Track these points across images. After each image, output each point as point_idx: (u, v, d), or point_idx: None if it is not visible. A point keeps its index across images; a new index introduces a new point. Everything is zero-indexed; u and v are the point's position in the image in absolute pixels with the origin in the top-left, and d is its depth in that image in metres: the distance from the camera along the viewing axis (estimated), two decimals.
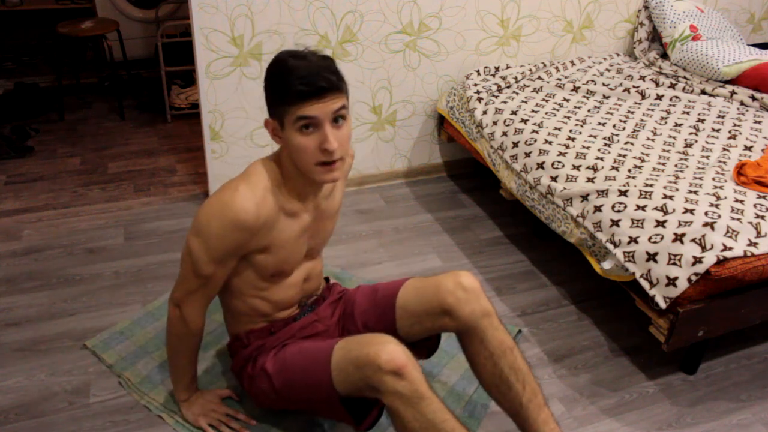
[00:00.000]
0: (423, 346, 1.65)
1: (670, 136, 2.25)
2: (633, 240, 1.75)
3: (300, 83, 1.27)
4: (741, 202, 1.81)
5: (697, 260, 1.62)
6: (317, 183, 1.43)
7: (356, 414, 1.46)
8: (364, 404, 1.46)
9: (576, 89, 2.60)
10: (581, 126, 2.30)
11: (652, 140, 2.22)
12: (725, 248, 1.63)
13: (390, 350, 1.31)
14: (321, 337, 1.63)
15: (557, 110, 2.42)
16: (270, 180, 1.42)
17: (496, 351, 1.50)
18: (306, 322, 1.64)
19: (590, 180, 1.99)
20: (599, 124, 2.33)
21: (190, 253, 1.41)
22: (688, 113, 2.43)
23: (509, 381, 1.49)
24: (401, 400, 1.31)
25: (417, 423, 1.31)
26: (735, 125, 2.33)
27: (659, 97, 2.56)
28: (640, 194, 1.84)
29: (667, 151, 2.16)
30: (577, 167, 2.05)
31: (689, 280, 1.62)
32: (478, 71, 2.70)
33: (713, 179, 1.93)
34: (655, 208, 1.78)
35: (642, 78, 2.70)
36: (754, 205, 1.80)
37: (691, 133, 2.28)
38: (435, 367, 1.87)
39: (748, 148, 2.17)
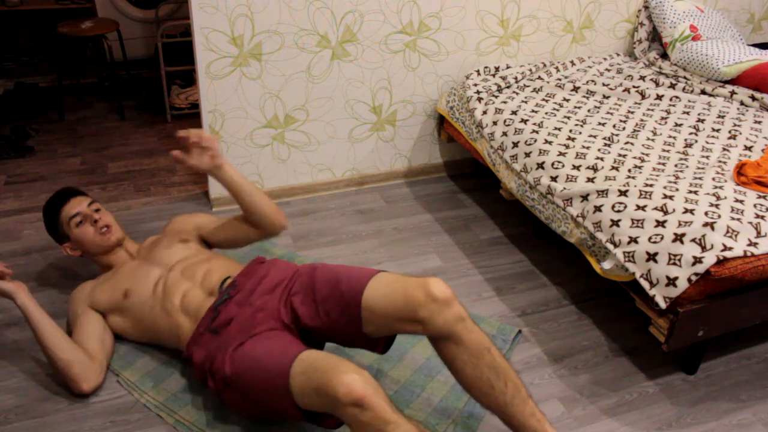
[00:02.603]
0: (380, 342, 1.62)
1: (670, 136, 2.25)
2: (633, 240, 1.75)
3: (54, 202, 1.98)
4: (741, 202, 1.81)
5: (697, 260, 1.62)
6: (110, 248, 1.96)
7: (321, 416, 1.45)
8: None
9: (576, 89, 2.60)
10: (581, 126, 2.30)
11: (652, 140, 2.22)
12: (725, 248, 1.63)
13: (348, 381, 1.29)
14: (269, 331, 1.61)
15: (557, 110, 2.42)
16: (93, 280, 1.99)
17: (474, 353, 1.48)
18: (245, 317, 1.63)
19: (590, 180, 1.99)
20: (599, 124, 2.33)
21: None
22: (688, 113, 2.43)
23: (490, 381, 1.48)
24: (366, 428, 1.29)
25: None
26: (735, 125, 2.33)
27: (659, 97, 2.56)
28: (640, 194, 1.84)
29: (667, 151, 2.16)
30: (577, 167, 2.05)
31: (689, 280, 1.62)
32: (478, 71, 2.70)
33: (713, 179, 1.93)
34: (655, 208, 1.78)
35: (642, 78, 2.70)
36: (754, 205, 1.80)
37: (691, 133, 2.28)
38: (434, 368, 1.87)
39: (748, 148, 2.17)
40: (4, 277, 1.75)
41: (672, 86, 2.65)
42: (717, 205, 1.77)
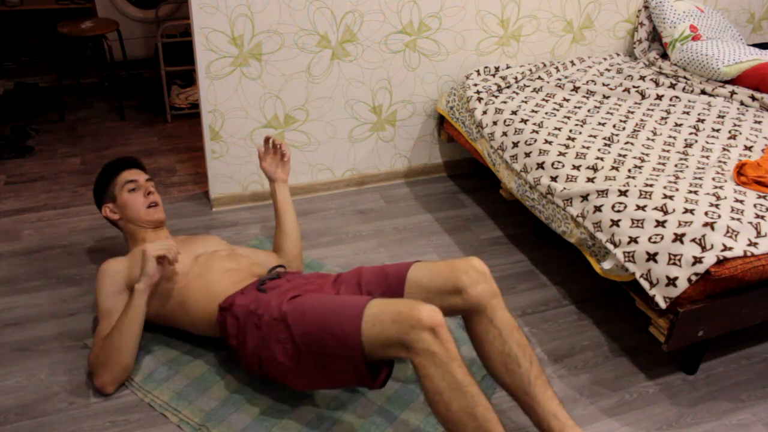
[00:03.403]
0: None
1: (670, 136, 2.25)
2: (633, 240, 1.75)
3: (118, 163, 2.04)
4: (741, 202, 1.81)
5: (697, 260, 1.62)
6: (150, 223, 1.97)
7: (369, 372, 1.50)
8: (374, 365, 1.50)
9: (576, 89, 2.60)
10: (581, 126, 2.30)
11: (652, 140, 2.22)
12: (725, 248, 1.63)
13: (430, 309, 1.40)
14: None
15: (557, 110, 2.42)
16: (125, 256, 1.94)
17: (505, 329, 1.58)
18: (296, 283, 1.74)
19: (590, 180, 1.99)
20: (599, 124, 2.33)
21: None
22: (688, 113, 2.43)
23: (518, 358, 1.56)
24: (433, 358, 1.37)
25: (444, 383, 1.37)
26: (735, 125, 2.34)
27: (659, 97, 2.56)
28: (640, 194, 1.84)
29: (667, 151, 2.16)
30: (577, 167, 2.05)
31: (689, 280, 1.62)
32: (478, 71, 2.70)
33: (713, 179, 1.93)
34: (655, 208, 1.78)
35: (642, 78, 2.70)
36: (754, 205, 1.80)
37: (691, 133, 2.28)
38: None
39: (748, 148, 2.17)
40: (166, 262, 1.76)
41: (672, 86, 2.65)
42: (717, 205, 1.77)
